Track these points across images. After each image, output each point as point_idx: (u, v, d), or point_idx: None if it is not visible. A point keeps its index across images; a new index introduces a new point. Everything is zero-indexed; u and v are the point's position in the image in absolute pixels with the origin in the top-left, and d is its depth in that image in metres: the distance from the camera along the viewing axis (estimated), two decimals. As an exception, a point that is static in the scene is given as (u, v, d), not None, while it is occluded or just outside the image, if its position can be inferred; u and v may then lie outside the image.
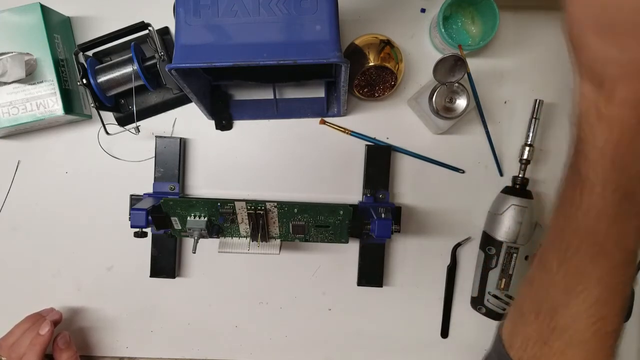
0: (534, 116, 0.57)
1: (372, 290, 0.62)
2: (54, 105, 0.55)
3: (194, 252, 0.52)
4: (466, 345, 0.63)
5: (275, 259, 0.61)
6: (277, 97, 0.59)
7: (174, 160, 0.60)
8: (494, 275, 0.57)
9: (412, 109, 0.60)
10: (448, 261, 0.62)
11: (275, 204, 0.52)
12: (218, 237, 0.57)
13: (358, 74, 0.56)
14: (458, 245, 0.61)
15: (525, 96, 0.60)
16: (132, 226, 0.51)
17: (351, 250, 0.62)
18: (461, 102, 0.54)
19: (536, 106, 0.57)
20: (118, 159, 0.62)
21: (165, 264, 0.61)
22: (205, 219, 0.53)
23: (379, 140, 0.61)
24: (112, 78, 0.56)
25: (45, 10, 0.55)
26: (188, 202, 0.53)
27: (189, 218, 0.54)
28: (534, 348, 0.37)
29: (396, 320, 0.63)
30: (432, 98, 0.54)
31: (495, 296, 0.57)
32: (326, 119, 0.61)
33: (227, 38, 0.45)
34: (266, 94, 0.61)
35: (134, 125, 0.56)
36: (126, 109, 0.61)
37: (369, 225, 0.53)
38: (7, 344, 0.55)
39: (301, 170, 0.62)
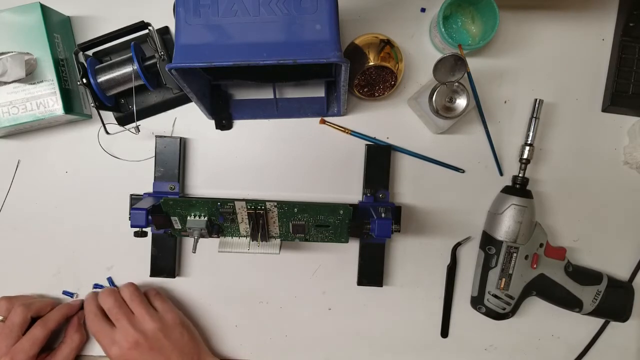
0: (534, 116, 0.58)
1: (372, 290, 0.62)
2: (54, 105, 0.55)
3: (194, 252, 0.52)
4: (466, 345, 0.63)
5: (275, 258, 0.61)
6: (277, 96, 0.59)
7: (174, 160, 0.60)
8: (494, 274, 0.57)
9: (412, 108, 0.60)
10: (448, 261, 0.62)
11: (275, 203, 0.52)
12: (218, 237, 0.57)
13: (358, 73, 0.56)
14: (458, 245, 0.61)
15: (525, 96, 0.60)
16: (132, 226, 0.51)
17: (351, 250, 0.62)
18: (461, 102, 0.54)
19: (536, 106, 0.58)
20: (118, 158, 0.62)
21: (165, 263, 0.61)
22: (205, 218, 0.53)
23: (379, 140, 0.61)
24: (112, 78, 0.56)
25: (45, 10, 0.55)
26: (188, 201, 0.53)
27: (189, 218, 0.54)
28: None
29: (396, 320, 0.63)
30: (432, 98, 0.54)
31: (495, 296, 0.57)
32: (326, 118, 0.61)
33: (227, 38, 0.45)
34: (266, 94, 0.61)
35: (134, 124, 0.56)
36: (126, 108, 0.61)
37: (369, 225, 0.53)
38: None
39: (301, 170, 0.62)
